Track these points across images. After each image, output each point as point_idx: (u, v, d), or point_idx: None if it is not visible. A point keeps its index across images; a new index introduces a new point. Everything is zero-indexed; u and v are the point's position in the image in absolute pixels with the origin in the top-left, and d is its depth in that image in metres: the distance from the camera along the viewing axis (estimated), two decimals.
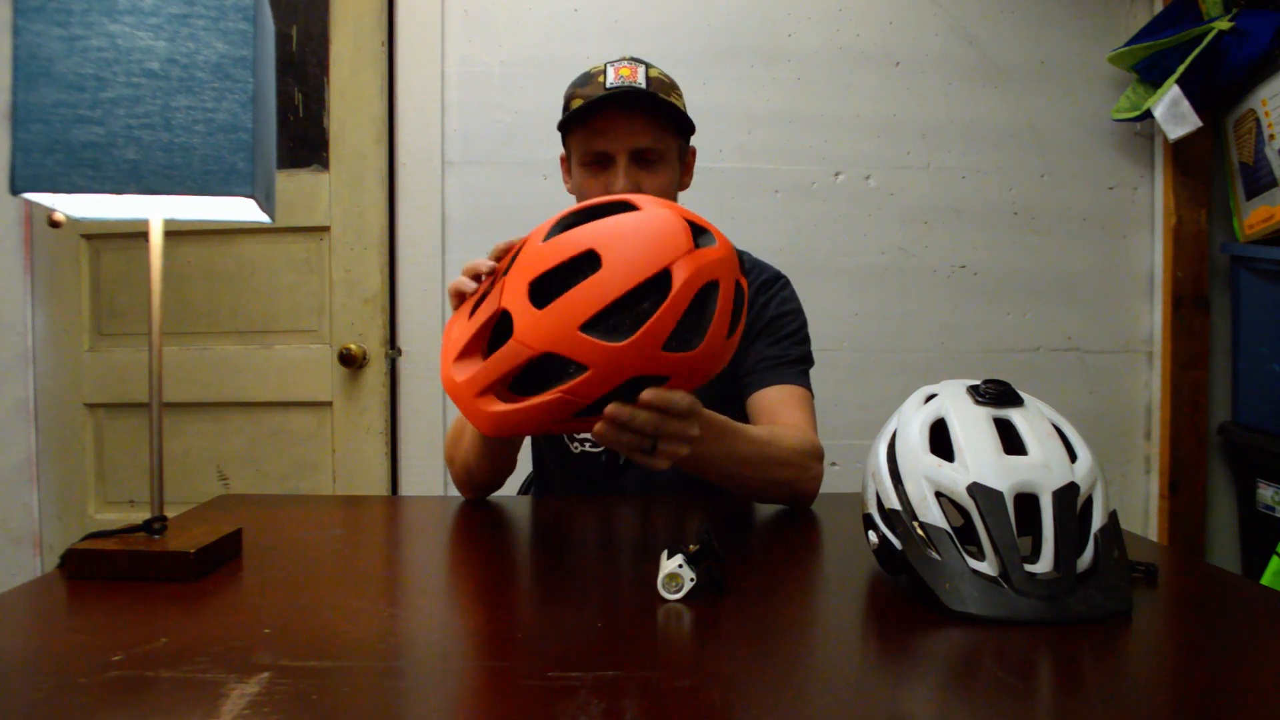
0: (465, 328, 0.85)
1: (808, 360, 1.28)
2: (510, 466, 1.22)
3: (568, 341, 0.77)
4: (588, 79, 1.21)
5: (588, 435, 1.27)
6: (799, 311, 1.30)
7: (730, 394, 1.24)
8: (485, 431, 0.83)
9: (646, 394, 0.79)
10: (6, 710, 0.54)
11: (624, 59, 1.23)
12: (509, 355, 0.80)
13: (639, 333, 0.76)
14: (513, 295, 0.81)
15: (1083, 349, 2.06)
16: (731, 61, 2.00)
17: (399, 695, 0.58)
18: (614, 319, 0.77)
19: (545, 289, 0.79)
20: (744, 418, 1.20)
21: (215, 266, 1.99)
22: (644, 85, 1.18)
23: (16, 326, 1.96)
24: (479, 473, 1.18)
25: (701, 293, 0.79)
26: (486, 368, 0.82)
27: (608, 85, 1.18)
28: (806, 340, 1.29)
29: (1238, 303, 1.97)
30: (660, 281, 0.77)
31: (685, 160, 1.30)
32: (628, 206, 0.82)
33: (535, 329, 0.78)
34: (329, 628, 0.69)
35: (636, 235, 0.79)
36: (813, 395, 1.25)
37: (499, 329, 0.82)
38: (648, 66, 1.22)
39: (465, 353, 0.84)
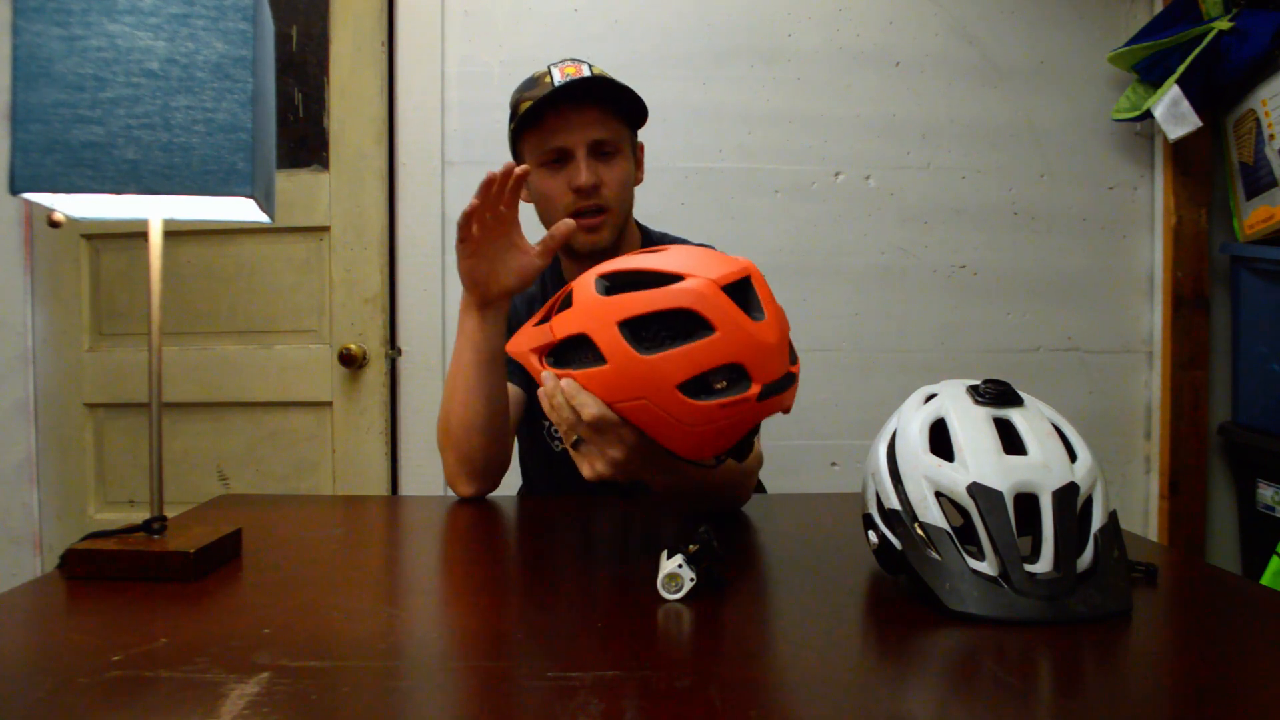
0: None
1: None
2: (504, 459, 1.20)
3: (582, 283, 0.81)
4: (533, 83, 1.21)
5: None
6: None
7: None
8: (507, 345, 0.89)
9: (565, 381, 0.80)
10: (6, 710, 0.54)
11: (567, 59, 1.23)
12: (558, 291, 0.88)
13: (618, 295, 0.78)
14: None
15: (1083, 349, 2.06)
16: (731, 61, 2.00)
17: (399, 695, 0.58)
18: (627, 286, 0.78)
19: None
20: None
21: (215, 266, 1.99)
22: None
23: (16, 326, 1.96)
24: (477, 459, 1.14)
25: (683, 313, 0.75)
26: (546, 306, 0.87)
27: (556, 84, 1.18)
28: None
29: (1238, 303, 1.97)
30: (668, 279, 0.77)
31: (637, 155, 1.30)
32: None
33: (583, 275, 0.83)
34: (329, 628, 0.69)
35: (695, 252, 0.81)
36: None
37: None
38: (590, 65, 1.22)
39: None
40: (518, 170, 1.00)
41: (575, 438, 0.82)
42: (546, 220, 1.26)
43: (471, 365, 1.10)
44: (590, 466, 0.84)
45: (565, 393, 0.80)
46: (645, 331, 0.76)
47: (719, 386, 0.76)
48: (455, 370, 1.13)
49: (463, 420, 1.13)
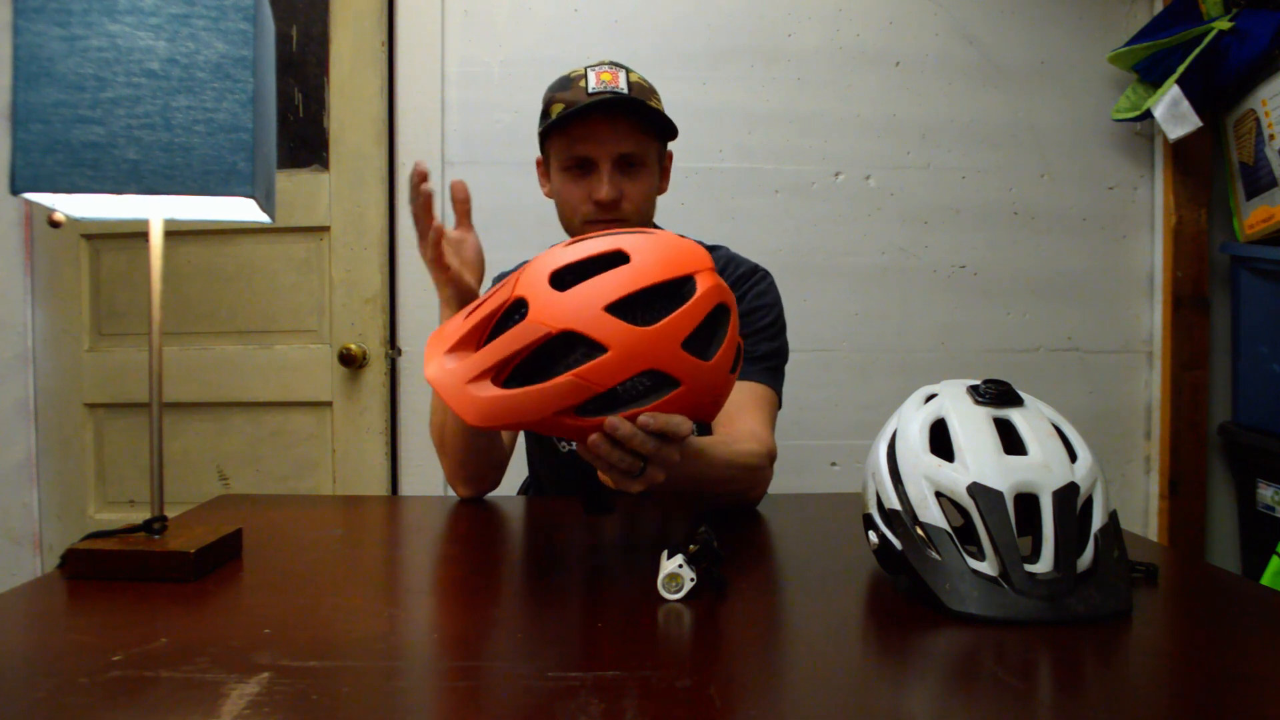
0: (465, 320, 0.80)
1: (778, 356, 1.26)
2: (501, 459, 1.22)
3: (591, 320, 0.73)
4: (567, 83, 1.20)
5: None
6: (773, 306, 1.28)
7: None
8: (472, 420, 0.75)
9: (645, 418, 0.75)
10: (6, 710, 0.54)
11: (604, 63, 1.22)
12: (520, 334, 0.75)
13: (664, 321, 0.75)
14: (529, 284, 0.77)
15: (1083, 349, 2.06)
16: (731, 61, 2.00)
17: (399, 695, 0.58)
18: (639, 309, 0.75)
19: (567, 279, 0.76)
20: None
21: (215, 266, 1.99)
22: (626, 90, 1.17)
23: (16, 326, 1.96)
24: (471, 464, 1.17)
25: (718, 309, 0.79)
26: (489, 350, 0.76)
27: (590, 90, 1.17)
28: (779, 335, 1.27)
29: (1238, 303, 1.97)
30: (684, 286, 0.77)
31: (663, 165, 1.29)
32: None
33: (555, 309, 0.74)
34: (329, 628, 0.69)
35: (663, 244, 0.79)
36: (778, 392, 1.24)
37: (505, 323, 0.77)
38: (627, 71, 1.21)
39: (461, 345, 0.79)
40: (420, 170, 1.03)
41: (642, 466, 0.79)
42: (565, 222, 1.26)
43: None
44: (649, 481, 0.80)
45: (656, 427, 0.75)
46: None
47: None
48: None
49: (456, 436, 1.15)
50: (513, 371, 0.76)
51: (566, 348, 0.75)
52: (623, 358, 0.74)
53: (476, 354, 0.77)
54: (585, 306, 0.74)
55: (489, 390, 0.76)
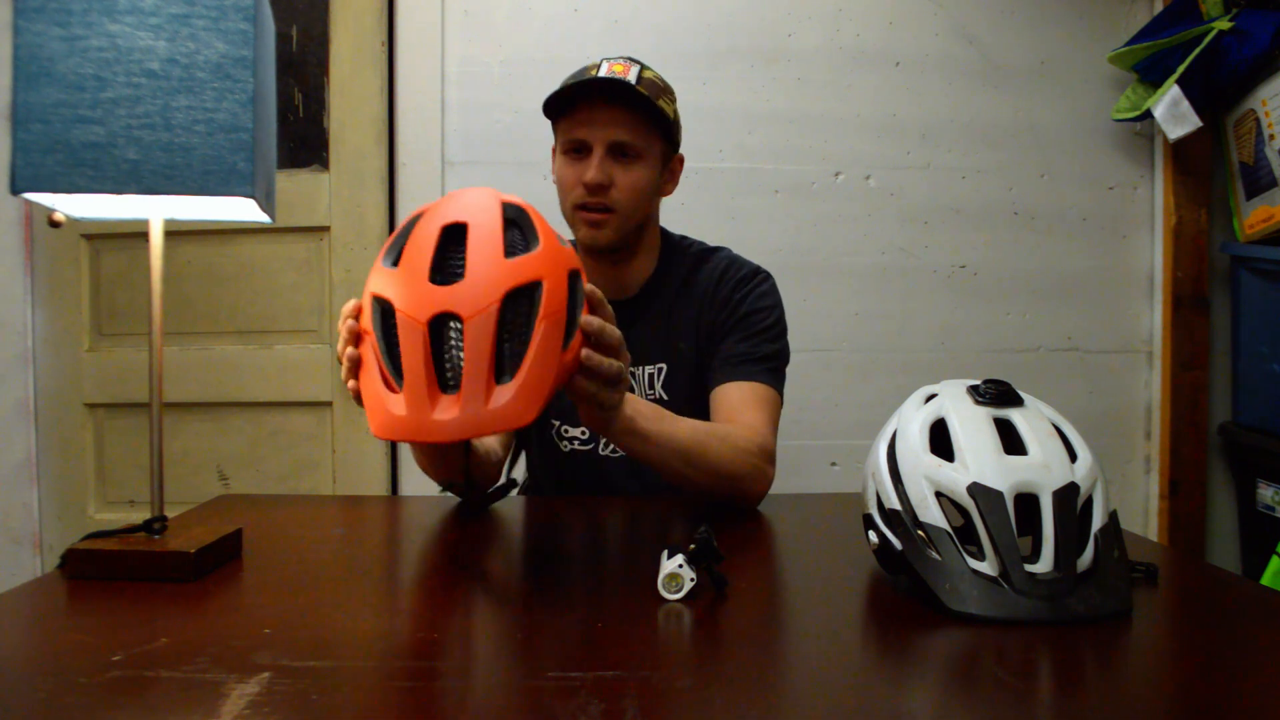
0: (371, 369, 0.78)
1: (779, 358, 1.26)
2: (496, 462, 1.21)
3: (423, 299, 0.74)
4: (583, 72, 1.21)
5: (577, 434, 1.27)
6: (775, 308, 1.28)
7: (703, 390, 1.24)
8: (463, 435, 0.73)
9: (587, 327, 0.80)
10: (6, 710, 0.54)
11: (621, 57, 1.23)
12: (409, 337, 0.74)
13: (536, 334, 0.75)
14: (371, 294, 0.79)
15: (1083, 349, 2.06)
16: (731, 61, 2.00)
17: (399, 695, 0.58)
18: (450, 263, 0.77)
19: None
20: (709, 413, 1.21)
21: (215, 266, 1.99)
22: (634, 83, 1.18)
23: (16, 326, 1.96)
24: (459, 474, 1.11)
25: (513, 210, 0.81)
26: (412, 376, 0.73)
27: (599, 78, 1.18)
28: (780, 337, 1.27)
29: (1238, 303, 1.97)
30: (534, 291, 0.77)
31: (671, 167, 1.29)
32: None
33: (406, 295, 0.75)
34: (329, 628, 0.69)
35: (449, 200, 0.83)
36: (779, 393, 1.24)
37: (388, 338, 0.76)
38: (643, 68, 1.21)
39: (389, 386, 0.76)
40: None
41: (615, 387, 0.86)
42: (563, 205, 1.26)
43: (427, 458, 1.11)
44: (619, 389, 0.87)
45: (594, 326, 0.81)
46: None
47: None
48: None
49: (430, 465, 1.13)
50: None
51: (444, 323, 0.75)
52: (480, 280, 0.75)
53: (404, 388, 0.74)
54: (412, 282, 0.76)
55: (450, 410, 0.73)
